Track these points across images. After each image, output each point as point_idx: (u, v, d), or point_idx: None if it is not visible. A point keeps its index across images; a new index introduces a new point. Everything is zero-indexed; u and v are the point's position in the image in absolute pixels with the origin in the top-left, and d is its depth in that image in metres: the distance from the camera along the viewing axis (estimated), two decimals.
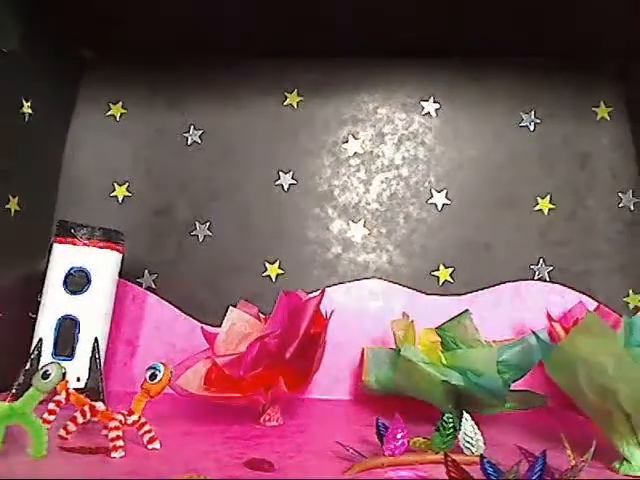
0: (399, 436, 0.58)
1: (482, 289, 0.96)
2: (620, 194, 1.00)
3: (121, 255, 0.86)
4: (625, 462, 0.57)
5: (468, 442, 0.59)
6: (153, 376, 0.59)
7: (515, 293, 0.96)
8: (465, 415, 0.60)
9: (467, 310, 0.77)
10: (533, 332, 0.68)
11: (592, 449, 0.51)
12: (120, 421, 0.57)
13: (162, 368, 0.60)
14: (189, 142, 1.05)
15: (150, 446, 0.58)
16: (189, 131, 1.05)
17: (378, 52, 1.04)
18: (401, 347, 0.73)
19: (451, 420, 0.60)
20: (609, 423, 0.58)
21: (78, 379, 0.78)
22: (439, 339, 0.76)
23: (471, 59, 1.04)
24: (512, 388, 0.75)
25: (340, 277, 0.98)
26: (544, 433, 0.69)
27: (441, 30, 0.98)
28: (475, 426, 0.60)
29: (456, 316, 0.76)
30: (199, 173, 1.03)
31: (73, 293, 0.80)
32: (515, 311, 0.94)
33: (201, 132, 1.05)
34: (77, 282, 0.80)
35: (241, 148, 1.04)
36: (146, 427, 0.59)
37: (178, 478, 0.49)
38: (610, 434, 0.58)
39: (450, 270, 0.98)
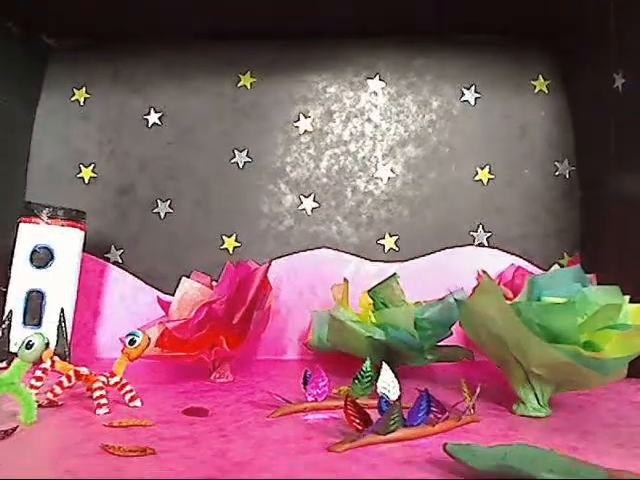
0: (321, 384, 0.65)
1: (424, 255, 1.04)
2: (557, 163, 1.07)
3: (83, 232, 0.92)
4: (521, 404, 0.64)
5: (385, 389, 0.67)
6: (132, 341, 0.66)
7: (455, 258, 1.03)
8: (384, 365, 0.67)
9: (395, 274, 0.84)
10: (450, 292, 0.76)
11: (477, 390, 0.59)
12: (103, 382, 0.63)
13: (140, 334, 0.66)
14: (149, 124, 1.11)
15: (132, 404, 0.65)
16: (149, 113, 1.11)
17: (326, 33, 1.09)
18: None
19: (369, 369, 0.68)
20: (508, 369, 0.65)
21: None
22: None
23: (414, 37, 1.09)
24: (442, 343, 0.83)
25: (293, 248, 1.05)
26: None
27: (386, 10, 1.02)
28: (392, 375, 0.67)
29: (385, 279, 0.84)
30: (159, 153, 1.09)
31: (38, 268, 0.87)
32: (454, 275, 1.01)
33: (160, 114, 1.11)
34: (41, 258, 0.87)
35: (198, 128, 1.10)
36: (127, 387, 0.65)
37: (119, 422, 0.57)
38: (510, 379, 0.66)
39: (395, 238, 1.05)
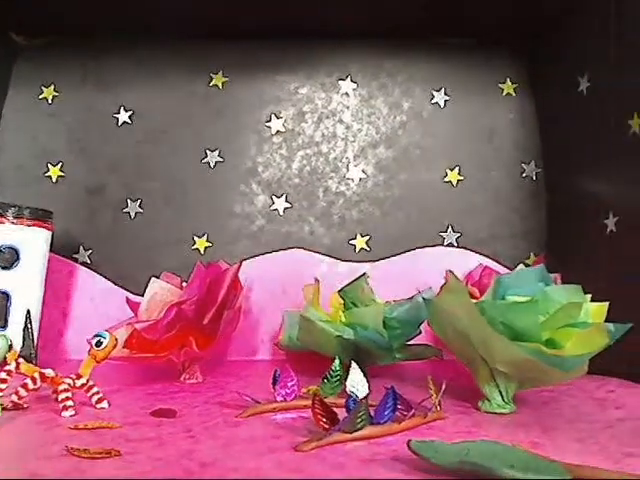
0: (290, 384, 0.66)
1: (395, 255, 1.05)
2: (524, 165, 1.09)
3: (50, 233, 0.91)
4: (486, 401, 0.66)
5: (353, 387, 0.67)
6: (99, 343, 0.65)
7: (425, 258, 1.05)
8: (353, 364, 0.68)
9: (365, 274, 0.85)
10: (419, 291, 0.77)
11: (443, 387, 0.60)
12: (69, 384, 0.62)
13: (107, 336, 0.66)
14: (119, 123, 1.09)
15: (99, 406, 0.64)
16: (119, 112, 1.10)
17: (298, 33, 1.09)
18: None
19: (338, 369, 0.68)
20: (474, 367, 0.66)
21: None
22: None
23: (385, 39, 1.10)
24: (411, 342, 0.85)
25: (264, 248, 1.05)
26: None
27: (358, 12, 1.03)
28: (361, 374, 0.68)
29: (355, 279, 0.84)
30: (130, 152, 1.08)
31: (3, 269, 0.85)
32: (423, 274, 1.02)
33: (131, 112, 1.09)
34: (7, 258, 0.85)
35: (169, 128, 1.09)
36: (94, 389, 0.65)
37: (85, 424, 0.56)
38: (475, 376, 0.67)
39: (366, 239, 1.06)
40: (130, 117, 1.09)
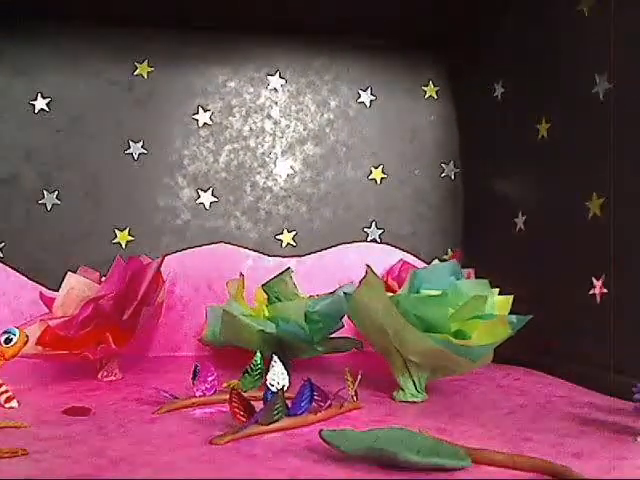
0: (210, 379, 0.66)
1: (320, 250, 1.07)
2: (443, 165, 1.13)
3: None
4: (400, 390, 0.69)
5: (274, 380, 0.68)
6: (8, 340, 0.63)
7: (349, 253, 1.07)
8: (274, 357, 0.68)
9: (289, 268, 0.86)
10: (340, 286, 0.79)
11: (358, 377, 0.62)
12: None
13: (17, 332, 0.63)
14: (36, 110, 1.04)
15: (7, 405, 0.62)
16: (36, 98, 1.04)
17: (228, 26, 1.08)
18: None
19: (259, 362, 0.69)
20: (389, 358, 0.69)
21: None
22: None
23: (315, 37, 1.11)
24: (334, 335, 0.86)
25: (189, 242, 1.04)
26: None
27: (289, 8, 1.03)
28: (282, 367, 0.69)
29: (279, 274, 0.85)
30: (47, 142, 1.03)
31: None
32: (348, 269, 1.05)
33: (49, 100, 1.04)
34: None
35: (90, 117, 1.05)
36: (3, 388, 0.62)
37: None
38: (391, 367, 0.70)
39: (292, 234, 1.07)
40: (48, 104, 1.04)
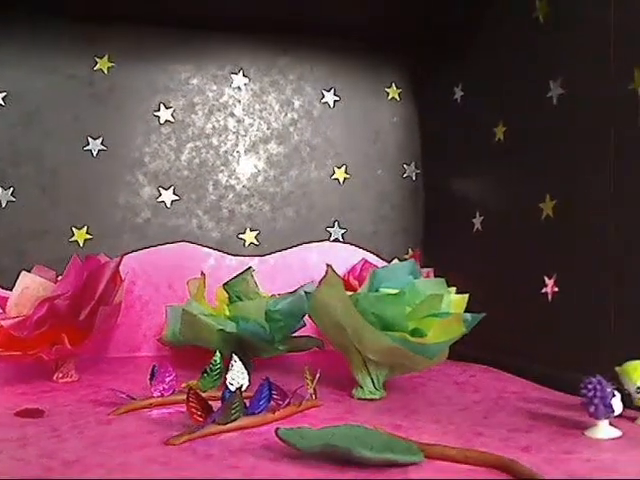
0: (168, 379, 0.65)
1: (283, 250, 1.07)
2: (405, 166, 1.15)
3: None
4: (359, 388, 0.69)
5: (233, 380, 0.68)
6: None
7: (312, 253, 1.08)
8: (234, 357, 0.68)
9: (250, 267, 0.86)
10: (301, 285, 0.79)
11: (317, 376, 0.63)
12: None
13: None
14: None
15: None
16: None
17: (192, 23, 1.07)
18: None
19: (218, 362, 0.69)
20: (348, 356, 0.70)
21: None
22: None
23: (280, 36, 1.11)
24: (296, 334, 0.87)
25: (150, 241, 1.02)
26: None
27: (254, 6, 1.03)
28: (242, 367, 0.69)
29: (240, 273, 0.85)
30: (2, 137, 1.00)
31: None
32: (310, 269, 1.05)
33: (4, 94, 1.01)
34: None
35: (48, 112, 1.02)
36: None
37: None
38: (350, 365, 0.70)
39: (255, 233, 1.07)
40: (4, 99, 1.01)
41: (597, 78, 0.68)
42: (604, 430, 0.52)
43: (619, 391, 0.53)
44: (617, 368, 0.56)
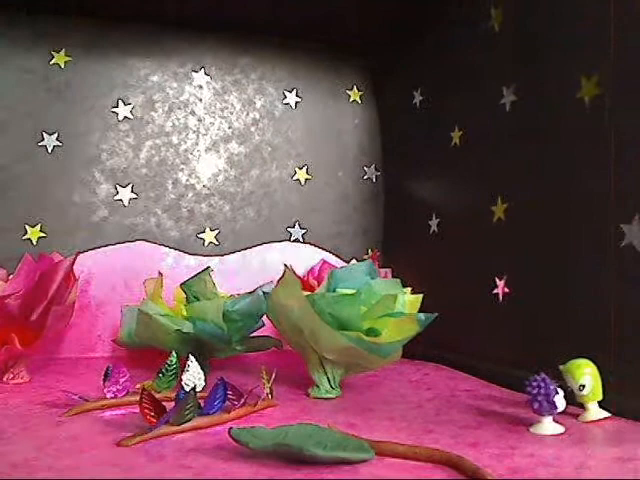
0: (122, 380, 0.64)
1: (243, 249, 1.07)
2: (365, 168, 1.17)
3: None
4: (316, 387, 0.70)
5: (189, 380, 0.67)
6: None
7: (272, 253, 1.08)
8: (190, 358, 0.68)
9: (208, 267, 0.86)
10: (260, 286, 0.80)
11: (273, 375, 0.63)
12: None
13: None
14: None
15: None
16: None
17: (152, 19, 1.05)
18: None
19: (174, 363, 0.68)
20: (305, 356, 0.71)
21: None
22: None
23: (243, 35, 1.11)
24: (255, 334, 0.87)
25: (106, 240, 1.01)
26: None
27: (218, 4, 1.02)
28: (198, 367, 0.68)
29: (198, 273, 0.85)
30: None
31: None
32: (270, 269, 1.05)
33: None
34: None
35: (1, 106, 0.99)
36: None
37: None
38: (307, 364, 0.71)
39: (215, 233, 1.06)
40: None
41: (547, 86, 0.71)
42: (548, 426, 0.54)
43: (562, 389, 0.55)
44: (561, 366, 0.59)
